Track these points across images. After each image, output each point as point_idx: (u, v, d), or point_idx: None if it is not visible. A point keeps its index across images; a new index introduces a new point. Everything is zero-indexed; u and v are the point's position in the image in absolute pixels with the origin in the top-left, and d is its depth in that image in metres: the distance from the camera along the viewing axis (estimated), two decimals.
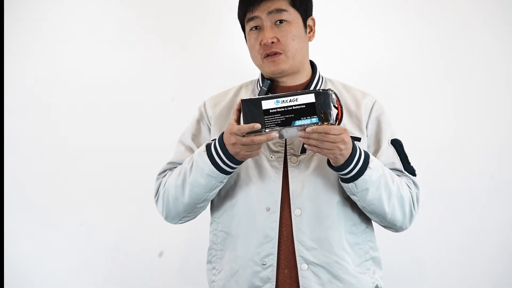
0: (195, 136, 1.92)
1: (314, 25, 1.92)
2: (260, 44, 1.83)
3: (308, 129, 1.62)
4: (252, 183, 1.82)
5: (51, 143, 2.60)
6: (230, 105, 1.92)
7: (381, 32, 2.64)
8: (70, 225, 2.56)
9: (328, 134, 1.62)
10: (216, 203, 1.90)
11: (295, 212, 1.79)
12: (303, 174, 1.80)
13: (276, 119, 1.63)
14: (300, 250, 1.78)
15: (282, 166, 1.82)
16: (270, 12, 1.82)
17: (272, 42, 1.81)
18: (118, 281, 2.57)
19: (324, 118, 1.62)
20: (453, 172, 2.59)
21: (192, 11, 2.66)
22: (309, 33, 1.91)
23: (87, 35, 2.63)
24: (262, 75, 1.93)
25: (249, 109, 1.64)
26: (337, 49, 2.58)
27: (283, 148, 1.84)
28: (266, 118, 1.63)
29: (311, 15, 1.91)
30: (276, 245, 1.78)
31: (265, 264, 1.78)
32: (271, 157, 1.83)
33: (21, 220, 2.56)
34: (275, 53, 1.82)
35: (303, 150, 1.82)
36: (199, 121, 1.94)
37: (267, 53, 1.83)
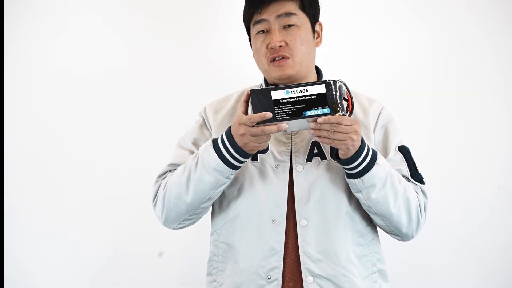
0: (197, 141, 1.89)
1: (321, 31, 1.90)
2: (267, 47, 1.81)
3: (319, 120, 1.62)
4: (257, 193, 1.79)
5: (51, 144, 2.62)
6: (232, 112, 1.89)
7: (389, 39, 2.67)
8: (70, 225, 2.58)
9: (340, 124, 1.61)
10: (218, 213, 1.86)
11: (300, 222, 1.76)
12: (309, 183, 1.78)
13: (287, 109, 1.63)
14: (305, 262, 1.75)
15: (287, 175, 1.79)
16: (279, 16, 1.80)
17: (280, 46, 1.79)
18: (118, 281, 2.58)
19: (336, 108, 1.62)
20: (460, 181, 2.60)
21: (194, 11, 2.67)
22: (316, 38, 1.89)
23: (88, 35, 2.66)
24: (265, 80, 1.90)
25: (258, 100, 1.63)
26: (345, 55, 2.59)
27: (289, 157, 1.81)
28: (276, 108, 1.62)
29: (319, 20, 1.89)
30: (282, 258, 1.76)
31: (270, 278, 1.75)
32: (276, 166, 1.80)
33: (21, 220, 2.58)
34: (282, 58, 1.80)
35: (309, 158, 1.80)
36: (201, 126, 1.92)
37: (274, 56, 1.80)
